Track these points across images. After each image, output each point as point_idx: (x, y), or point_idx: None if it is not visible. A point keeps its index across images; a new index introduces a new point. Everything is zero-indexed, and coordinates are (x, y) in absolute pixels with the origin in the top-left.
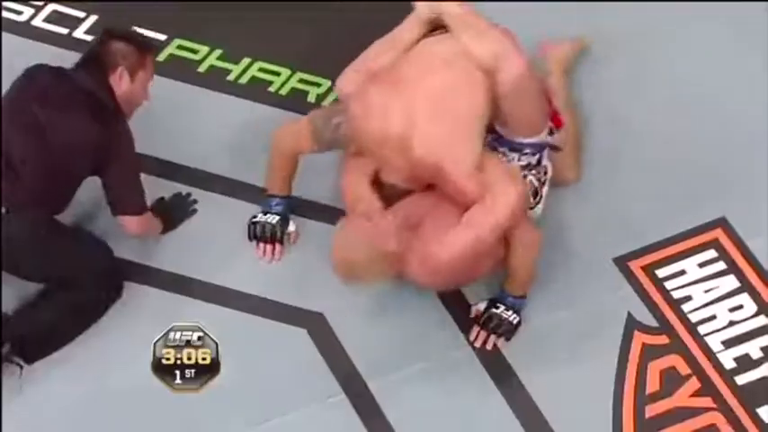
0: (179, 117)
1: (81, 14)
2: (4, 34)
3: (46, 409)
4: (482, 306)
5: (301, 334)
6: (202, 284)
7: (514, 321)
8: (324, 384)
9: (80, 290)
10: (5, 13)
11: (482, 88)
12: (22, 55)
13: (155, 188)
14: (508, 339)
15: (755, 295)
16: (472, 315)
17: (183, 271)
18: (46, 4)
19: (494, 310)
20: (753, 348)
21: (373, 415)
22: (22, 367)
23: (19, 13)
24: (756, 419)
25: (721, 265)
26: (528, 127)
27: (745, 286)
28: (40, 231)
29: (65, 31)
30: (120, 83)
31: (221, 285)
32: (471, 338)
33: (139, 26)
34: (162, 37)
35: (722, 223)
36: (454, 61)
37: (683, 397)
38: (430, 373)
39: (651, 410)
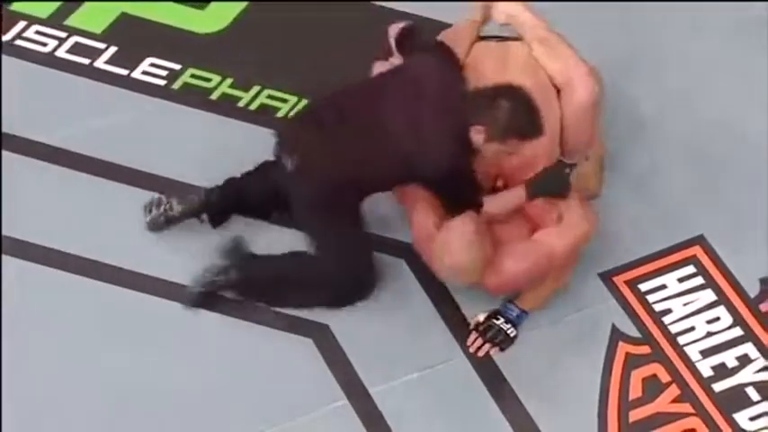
0: (193, 141)
1: (101, 46)
2: (29, 64)
3: (44, 407)
4: (482, 317)
5: (308, 343)
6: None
7: (512, 335)
8: (328, 391)
9: (318, 271)
10: (31, 45)
11: (557, 102)
12: (48, 84)
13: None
14: (502, 350)
15: (731, 308)
16: (471, 325)
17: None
18: (69, 37)
19: (494, 321)
20: (728, 358)
21: (375, 420)
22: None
23: (43, 44)
24: (732, 424)
25: (699, 280)
26: (573, 149)
27: (722, 300)
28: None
29: (86, 61)
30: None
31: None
32: (468, 343)
33: (155, 56)
34: (177, 66)
35: (700, 241)
36: (536, 69)
37: (663, 403)
38: (428, 381)
39: (634, 415)
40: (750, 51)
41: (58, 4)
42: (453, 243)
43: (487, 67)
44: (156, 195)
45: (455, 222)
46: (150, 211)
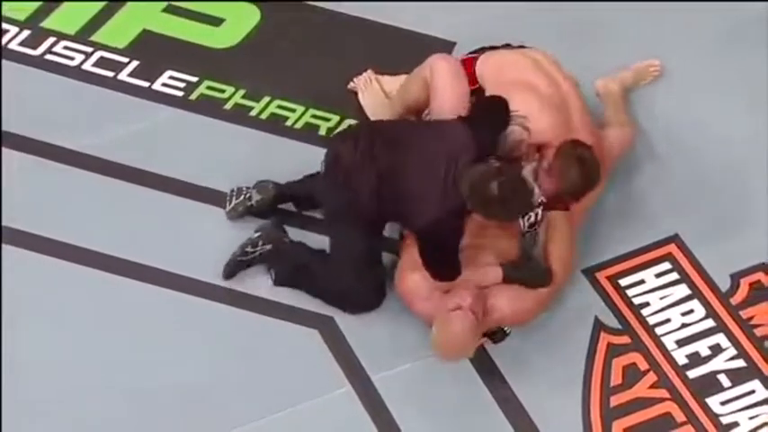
0: (208, 147)
1: (125, 60)
2: (59, 77)
3: (40, 406)
4: None
5: (313, 334)
6: (228, 291)
7: (508, 332)
8: (332, 378)
9: (331, 273)
10: (60, 59)
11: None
12: (75, 94)
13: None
14: (495, 343)
15: (704, 301)
16: None
17: (204, 277)
18: (95, 51)
19: None
20: (702, 347)
21: (377, 405)
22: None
23: (71, 58)
24: (705, 408)
25: (675, 276)
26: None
27: (695, 294)
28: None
29: (111, 74)
30: None
31: (242, 291)
32: None
33: (173, 69)
34: (194, 79)
35: (675, 239)
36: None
37: (642, 389)
38: (426, 368)
39: (615, 400)
40: (730, 54)
41: (85, 21)
42: (454, 342)
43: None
44: (237, 186)
45: (455, 318)
46: (231, 200)
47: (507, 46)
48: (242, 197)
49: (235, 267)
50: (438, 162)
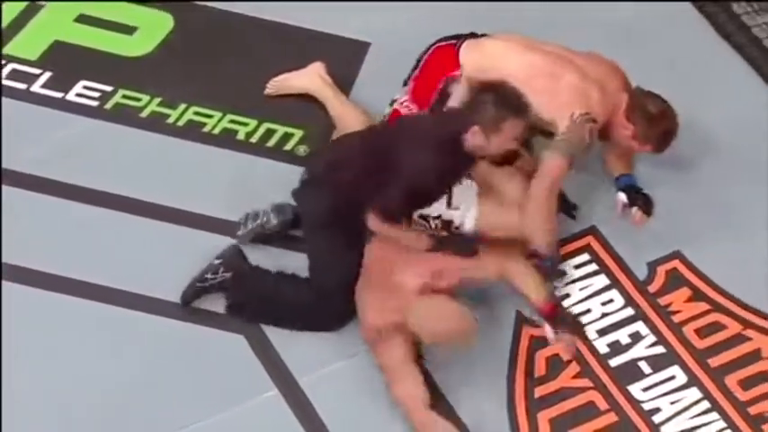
0: (126, 156)
1: (37, 71)
2: None
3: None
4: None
5: (240, 340)
6: (157, 301)
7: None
8: (260, 383)
9: (311, 294)
10: None
11: None
12: None
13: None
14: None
15: (623, 291)
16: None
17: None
18: (7, 64)
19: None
20: (622, 335)
21: (305, 407)
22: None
23: None
24: (627, 395)
25: (593, 267)
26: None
27: (614, 283)
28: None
29: (23, 86)
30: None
31: (165, 299)
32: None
33: (87, 79)
34: (108, 88)
35: (593, 231)
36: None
37: (566, 379)
38: (353, 367)
39: (539, 391)
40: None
41: None
42: (435, 318)
43: None
44: (253, 210)
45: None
46: (247, 224)
47: (473, 35)
48: (258, 221)
49: (193, 294)
50: (425, 125)
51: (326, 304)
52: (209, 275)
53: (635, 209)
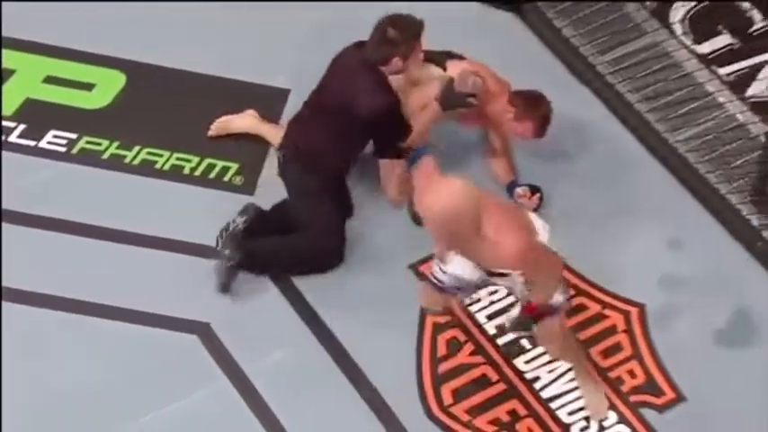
0: (93, 192)
1: (12, 124)
2: None
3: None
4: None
5: (193, 339)
6: (115, 309)
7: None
8: (212, 376)
9: (306, 239)
10: None
11: None
12: None
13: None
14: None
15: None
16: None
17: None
18: None
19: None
20: (505, 319)
21: (251, 394)
22: (231, 265)
23: None
24: (513, 367)
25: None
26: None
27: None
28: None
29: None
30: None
31: (116, 306)
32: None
33: (56, 129)
34: (73, 136)
35: None
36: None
37: (463, 357)
38: (291, 357)
39: (442, 368)
40: None
41: None
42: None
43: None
44: (219, 229)
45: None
46: (219, 240)
47: (449, 54)
48: (229, 229)
49: (227, 276)
50: (350, 75)
51: (323, 247)
52: (225, 261)
53: (537, 195)
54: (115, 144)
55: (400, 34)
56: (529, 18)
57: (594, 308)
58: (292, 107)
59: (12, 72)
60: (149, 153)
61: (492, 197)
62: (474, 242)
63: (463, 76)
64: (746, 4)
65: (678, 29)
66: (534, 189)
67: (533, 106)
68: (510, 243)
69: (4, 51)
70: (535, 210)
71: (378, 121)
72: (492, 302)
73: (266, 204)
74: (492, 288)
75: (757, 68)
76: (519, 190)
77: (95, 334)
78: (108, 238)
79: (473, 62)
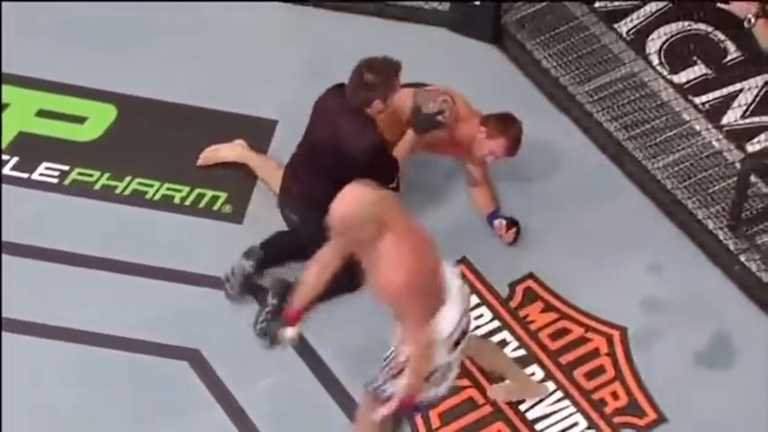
0: (85, 223)
1: (6, 157)
2: None
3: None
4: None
5: (184, 366)
6: (108, 337)
7: None
8: (203, 400)
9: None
10: None
11: None
12: None
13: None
14: None
15: (490, 307)
16: None
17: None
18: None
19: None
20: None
21: (242, 418)
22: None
23: None
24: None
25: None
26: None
27: (483, 302)
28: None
29: None
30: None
31: (106, 333)
32: None
33: (48, 161)
34: (66, 167)
35: (464, 260)
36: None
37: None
38: (281, 383)
39: None
40: None
41: None
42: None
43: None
44: (224, 272)
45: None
46: (230, 281)
47: (422, 84)
48: (236, 273)
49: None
50: (335, 121)
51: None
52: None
53: (513, 230)
54: (106, 175)
55: (377, 77)
56: (509, 50)
57: (578, 331)
58: (280, 137)
59: (5, 106)
60: (140, 183)
61: (404, 217)
62: (370, 253)
63: (433, 95)
64: (721, 35)
65: (655, 59)
66: (511, 222)
67: (505, 124)
68: (394, 273)
69: None
70: (510, 244)
71: (365, 162)
72: (477, 327)
73: (256, 234)
74: (476, 314)
75: (732, 97)
76: (496, 222)
77: (86, 362)
78: (99, 267)
79: (443, 88)
